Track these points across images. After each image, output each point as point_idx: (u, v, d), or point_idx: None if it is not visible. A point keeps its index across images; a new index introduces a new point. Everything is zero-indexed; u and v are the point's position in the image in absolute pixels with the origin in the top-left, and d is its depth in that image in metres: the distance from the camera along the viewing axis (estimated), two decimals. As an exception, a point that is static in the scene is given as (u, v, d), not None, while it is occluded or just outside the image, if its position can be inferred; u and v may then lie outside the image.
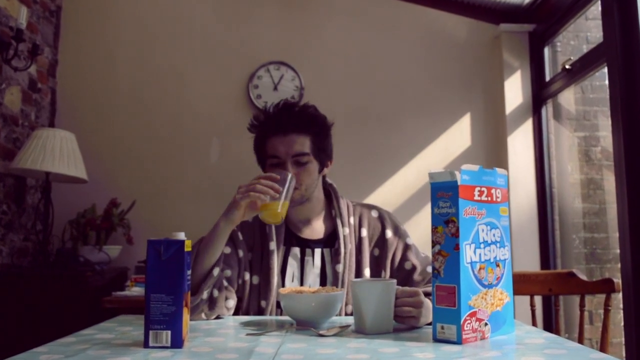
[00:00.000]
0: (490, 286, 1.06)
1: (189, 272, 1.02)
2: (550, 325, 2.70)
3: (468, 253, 1.02)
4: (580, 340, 1.81)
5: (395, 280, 1.18)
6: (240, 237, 1.48)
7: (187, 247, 1.01)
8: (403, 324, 1.17)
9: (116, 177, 2.91)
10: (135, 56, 3.03)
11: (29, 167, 2.34)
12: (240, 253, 1.47)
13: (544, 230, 2.84)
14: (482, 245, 1.05)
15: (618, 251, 3.01)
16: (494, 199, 1.09)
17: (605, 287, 1.79)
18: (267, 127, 1.48)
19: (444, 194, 1.04)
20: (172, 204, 2.89)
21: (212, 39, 3.05)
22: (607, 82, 3.17)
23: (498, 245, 1.09)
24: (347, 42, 3.07)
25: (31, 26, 2.72)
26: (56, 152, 2.41)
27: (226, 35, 3.05)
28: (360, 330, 1.14)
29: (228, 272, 1.42)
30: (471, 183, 1.04)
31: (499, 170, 1.12)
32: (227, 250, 1.45)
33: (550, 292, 1.89)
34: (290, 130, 1.45)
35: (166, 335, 0.98)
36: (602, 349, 1.72)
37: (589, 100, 3.09)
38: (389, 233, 1.52)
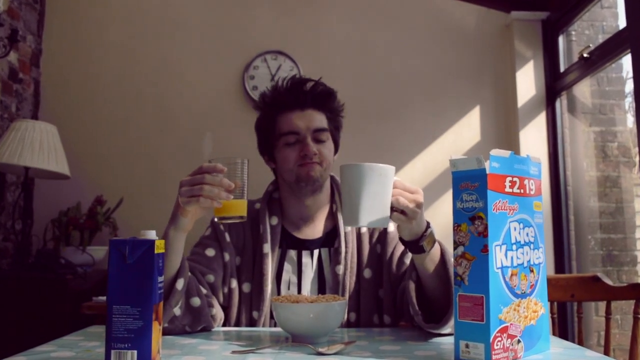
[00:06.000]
0: (523, 295, 0.89)
1: (161, 278, 0.85)
2: (565, 333, 2.54)
3: (498, 256, 0.85)
4: (607, 351, 1.64)
5: (394, 167, 1.00)
6: (228, 238, 1.30)
7: (159, 248, 0.84)
8: (392, 220, 1.00)
9: (102, 174, 2.74)
10: (124, 46, 2.87)
11: (5, 161, 2.17)
12: (227, 257, 1.28)
13: (558, 231, 2.68)
14: (514, 247, 0.88)
15: (636, 253, 2.87)
16: (527, 192, 0.92)
17: (634, 292, 1.64)
18: (282, 102, 1.32)
19: (468, 184, 0.87)
20: (162, 203, 2.68)
21: (206, 26, 2.88)
22: (623, 73, 3.05)
23: (532, 246, 0.92)
24: (349, 30, 2.90)
25: (12, 12, 2.55)
26: (35, 146, 2.24)
27: (220, 22, 2.88)
28: (351, 222, 0.97)
29: (211, 278, 1.24)
30: (501, 172, 0.87)
31: (533, 158, 0.94)
32: (211, 252, 1.27)
33: (573, 298, 1.73)
34: (308, 106, 1.31)
35: (131, 356, 0.80)
36: (632, 361, 1.55)
37: (605, 93, 2.93)
38: (391, 226, 1.32)
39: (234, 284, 1.27)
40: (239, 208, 1.01)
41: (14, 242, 2.49)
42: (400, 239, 1.08)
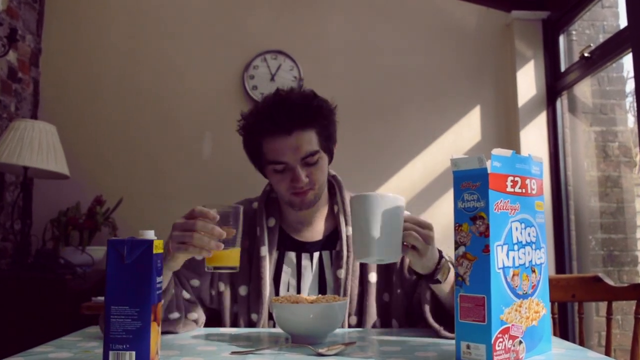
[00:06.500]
0: (525, 296, 0.88)
1: (159, 278, 0.84)
2: (566, 334, 2.53)
3: (500, 256, 0.84)
4: (608, 352, 1.63)
5: (404, 198, 0.99)
6: None
7: (158, 248, 0.83)
8: (403, 254, 0.99)
9: (102, 174, 2.73)
10: (123, 45, 2.85)
11: (4, 161, 2.16)
12: None
13: (559, 231, 2.67)
14: (515, 247, 0.87)
15: (637, 253, 2.86)
16: (529, 191, 0.91)
17: (635, 293, 1.63)
18: (265, 128, 1.21)
19: (470, 184, 0.86)
20: (162, 203, 2.71)
21: (205, 26, 2.87)
22: (624, 73, 3.04)
23: (533, 246, 0.91)
24: (350, 30, 2.89)
25: (11, 11, 2.54)
26: (34, 145, 2.23)
27: (220, 22, 2.87)
28: (363, 255, 0.96)
29: (196, 282, 1.23)
30: (503, 171, 0.86)
31: (534, 157, 0.94)
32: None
33: (574, 298, 1.72)
34: (294, 128, 1.19)
35: (130, 357, 0.80)
36: (633, 362, 1.54)
37: (606, 93, 2.92)
38: None
39: (222, 287, 1.25)
40: (231, 258, 0.99)
41: (13, 242, 2.48)
42: (414, 272, 1.07)
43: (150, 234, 0.84)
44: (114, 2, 2.90)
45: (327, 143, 1.28)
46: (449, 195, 2.67)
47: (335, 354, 0.92)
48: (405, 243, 0.98)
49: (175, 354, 0.93)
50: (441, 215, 2.69)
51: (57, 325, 1.98)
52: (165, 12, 2.89)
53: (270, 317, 1.23)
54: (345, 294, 1.23)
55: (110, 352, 0.80)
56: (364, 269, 1.27)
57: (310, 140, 1.22)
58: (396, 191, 2.71)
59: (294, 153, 1.20)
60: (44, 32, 2.83)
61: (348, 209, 1.30)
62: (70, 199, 2.57)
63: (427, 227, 1.00)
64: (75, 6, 2.88)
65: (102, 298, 2.10)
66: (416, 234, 0.98)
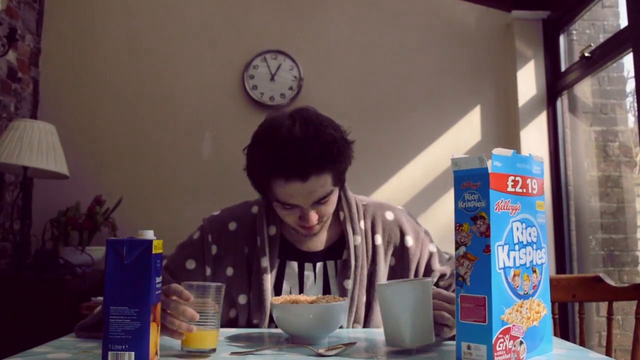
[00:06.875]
0: (526, 297, 0.88)
1: (159, 279, 0.84)
2: (566, 334, 2.52)
3: (501, 256, 0.84)
4: (609, 352, 1.63)
5: (431, 279, 0.99)
6: (214, 250, 1.24)
7: (157, 248, 0.83)
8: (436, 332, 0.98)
9: (101, 173, 2.73)
10: (123, 45, 2.86)
11: (3, 161, 2.16)
12: (208, 271, 1.22)
13: (559, 231, 2.67)
14: (516, 247, 0.86)
15: (637, 253, 2.86)
16: (530, 191, 0.90)
17: (636, 293, 1.62)
18: (276, 173, 1.11)
19: (470, 184, 0.85)
20: (161, 203, 2.71)
21: (205, 26, 2.87)
22: (624, 73, 3.04)
23: (534, 246, 0.91)
24: (349, 29, 2.89)
25: (10, 11, 2.54)
26: (34, 145, 2.23)
27: (220, 22, 2.87)
28: (397, 345, 0.95)
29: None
30: (504, 171, 0.86)
31: (535, 157, 0.93)
32: (191, 265, 1.23)
33: (574, 298, 1.71)
34: (310, 175, 1.10)
35: (129, 358, 0.79)
36: (634, 362, 1.54)
37: (606, 93, 2.91)
38: (410, 241, 1.26)
39: None
40: (205, 341, 0.93)
41: (12, 242, 2.48)
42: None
43: (149, 234, 0.83)
44: (114, 2, 2.89)
45: (341, 175, 1.19)
46: (450, 195, 2.67)
47: (336, 354, 0.91)
48: (436, 321, 0.97)
49: (174, 354, 0.93)
50: (441, 215, 2.69)
51: (56, 325, 1.98)
52: (165, 12, 2.89)
53: (271, 319, 1.20)
54: (352, 304, 1.20)
55: (110, 353, 0.80)
56: (371, 278, 1.23)
57: (324, 183, 1.13)
58: (396, 191, 2.75)
59: (305, 198, 1.13)
60: (44, 32, 2.83)
61: (354, 215, 1.26)
62: (70, 199, 2.57)
63: (453, 300, 0.98)
64: (75, 6, 2.88)
65: (102, 298, 2.10)
66: (447, 313, 0.97)
